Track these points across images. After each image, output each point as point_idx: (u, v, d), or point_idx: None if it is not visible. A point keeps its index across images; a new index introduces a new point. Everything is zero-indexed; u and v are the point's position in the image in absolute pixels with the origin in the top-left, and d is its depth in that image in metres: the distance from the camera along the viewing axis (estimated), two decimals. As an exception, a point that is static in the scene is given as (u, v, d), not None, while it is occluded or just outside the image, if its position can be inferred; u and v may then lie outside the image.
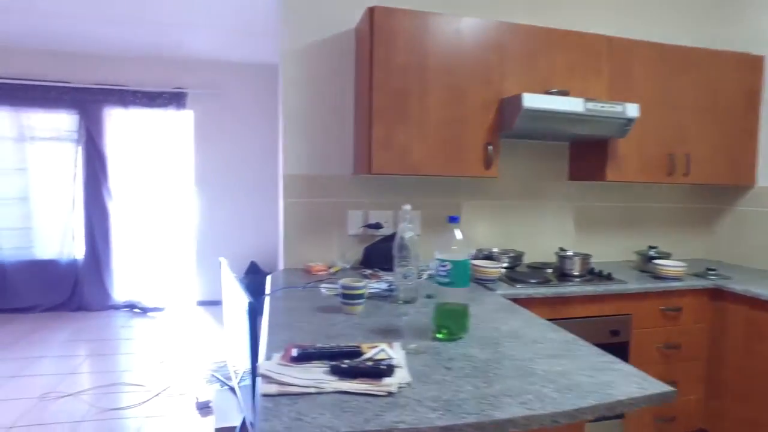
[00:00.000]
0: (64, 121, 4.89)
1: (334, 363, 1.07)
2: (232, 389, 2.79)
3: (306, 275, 2.17)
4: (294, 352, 1.14)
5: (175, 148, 5.03)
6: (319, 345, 1.21)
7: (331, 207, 2.36)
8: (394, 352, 1.18)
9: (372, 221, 2.38)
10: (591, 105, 2.12)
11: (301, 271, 2.25)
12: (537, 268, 2.46)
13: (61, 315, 4.77)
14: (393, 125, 2.08)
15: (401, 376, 1.05)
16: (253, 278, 4.83)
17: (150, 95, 4.92)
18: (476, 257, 2.43)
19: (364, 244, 2.38)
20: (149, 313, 4.89)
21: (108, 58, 4.90)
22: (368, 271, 2.20)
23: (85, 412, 2.79)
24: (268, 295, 1.79)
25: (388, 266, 2.20)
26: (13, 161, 4.83)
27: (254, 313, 1.90)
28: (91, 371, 3.42)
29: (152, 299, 4.99)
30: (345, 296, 1.56)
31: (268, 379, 1.02)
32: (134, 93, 4.90)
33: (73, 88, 4.82)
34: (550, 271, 2.40)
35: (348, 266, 2.32)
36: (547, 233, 2.74)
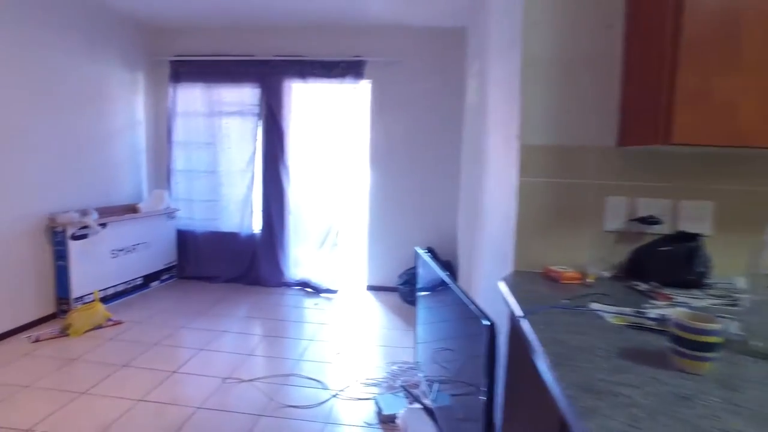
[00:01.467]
0: (247, 95, 4.91)
1: None
2: (426, 409, 2.33)
3: (549, 283, 1.58)
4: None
5: (351, 123, 4.76)
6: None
7: (583, 190, 1.70)
8: None
9: (642, 213, 1.67)
10: None
11: (540, 276, 1.66)
12: None
13: (240, 288, 4.86)
14: (711, 70, 1.35)
15: None
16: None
17: (328, 65, 4.68)
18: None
19: (626, 244, 1.69)
20: (322, 294, 4.75)
21: (287, 29, 4.77)
22: (643, 286, 1.52)
23: (264, 405, 2.57)
24: (523, 317, 1.22)
25: (677, 281, 1.51)
26: (204, 136, 5.00)
27: (495, 340, 1.36)
28: (268, 355, 3.28)
29: (325, 280, 4.83)
30: (684, 342, 0.92)
31: None
32: (312, 63, 4.71)
33: (256, 60, 4.81)
34: None
35: (608, 275, 1.66)
36: None
